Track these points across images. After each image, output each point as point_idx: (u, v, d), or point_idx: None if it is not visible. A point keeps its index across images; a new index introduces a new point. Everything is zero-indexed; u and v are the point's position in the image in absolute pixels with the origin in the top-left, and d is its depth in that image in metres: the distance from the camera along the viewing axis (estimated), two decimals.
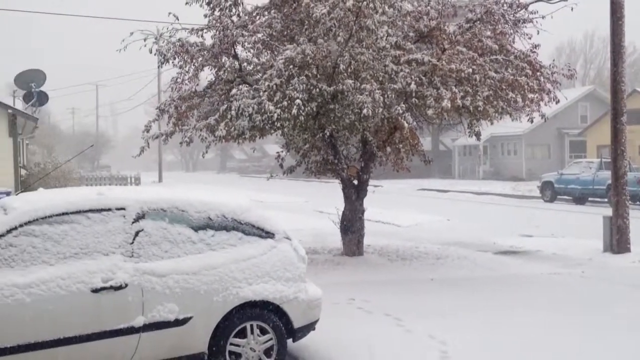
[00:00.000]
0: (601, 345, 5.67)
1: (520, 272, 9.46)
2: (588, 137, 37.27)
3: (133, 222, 4.55)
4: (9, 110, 14.63)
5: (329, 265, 9.72)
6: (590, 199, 23.12)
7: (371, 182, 11.41)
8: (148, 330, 4.35)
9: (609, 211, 11.39)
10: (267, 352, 4.83)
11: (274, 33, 9.77)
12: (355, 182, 10.73)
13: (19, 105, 20.03)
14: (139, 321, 4.34)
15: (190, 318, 4.50)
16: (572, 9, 11.42)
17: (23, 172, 18.06)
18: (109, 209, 4.53)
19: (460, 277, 9.03)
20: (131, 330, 4.31)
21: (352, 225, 10.54)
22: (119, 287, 4.30)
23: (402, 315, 6.53)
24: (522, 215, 18.86)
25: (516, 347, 5.58)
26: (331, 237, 11.52)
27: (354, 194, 10.63)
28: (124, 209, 4.57)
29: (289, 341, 5.02)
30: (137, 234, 4.52)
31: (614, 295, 7.92)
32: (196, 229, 4.76)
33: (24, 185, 14.68)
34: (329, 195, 16.98)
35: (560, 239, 12.99)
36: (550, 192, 24.39)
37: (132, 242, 4.49)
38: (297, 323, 4.95)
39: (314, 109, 8.92)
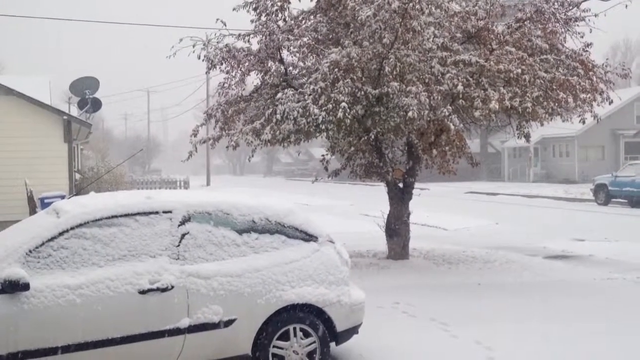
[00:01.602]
0: None
1: (571, 277, 9.16)
2: None
3: (179, 225, 4.64)
4: (64, 117, 15.17)
5: (373, 268, 9.66)
6: None
7: (417, 184, 11.29)
8: (193, 331, 4.42)
9: None
10: (310, 355, 4.83)
11: (319, 37, 9.81)
12: (401, 185, 10.64)
13: (74, 111, 20.80)
14: (184, 322, 4.41)
15: (234, 320, 4.55)
16: (626, 7, 11.02)
17: (77, 176, 18.70)
18: (157, 212, 4.63)
19: (508, 282, 8.82)
20: (177, 332, 4.39)
21: (397, 228, 10.45)
22: (165, 289, 4.38)
23: (447, 320, 6.43)
24: (574, 219, 18.28)
25: (567, 357, 5.40)
26: (376, 240, 11.46)
27: (399, 197, 10.54)
28: (170, 212, 4.66)
29: (332, 344, 5.01)
30: (183, 236, 4.61)
31: None
32: (240, 231, 4.81)
33: (77, 189, 15.19)
34: (374, 199, 16.89)
35: (614, 243, 12.53)
36: (604, 195, 23.56)
37: (178, 245, 4.58)
38: (340, 326, 4.93)
39: (359, 112, 8.90)
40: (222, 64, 9.77)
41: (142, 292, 4.34)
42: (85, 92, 20.55)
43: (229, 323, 4.53)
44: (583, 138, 38.05)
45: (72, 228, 4.39)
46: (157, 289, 4.36)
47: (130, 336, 4.29)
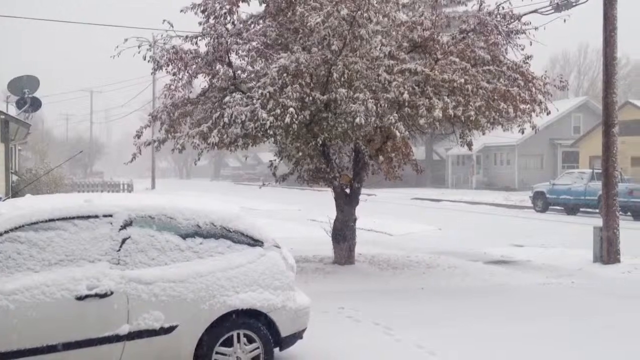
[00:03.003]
0: (588, 355, 5.67)
1: (510, 282, 9.46)
2: (581, 148, 37.46)
3: (120, 229, 4.52)
4: (1, 116, 14.58)
5: (319, 273, 9.70)
6: (581, 209, 23.19)
7: (364, 190, 11.42)
8: (133, 338, 4.31)
9: (599, 222, 11.43)
10: None
11: (268, 41, 9.80)
12: (348, 190, 10.74)
13: (12, 111, 19.97)
14: (124, 329, 4.30)
15: (176, 326, 4.46)
16: (564, 21, 11.54)
17: (14, 178, 17.95)
18: (96, 216, 4.51)
19: (451, 286, 9.03)
20: (116, 339, 4.27)
21: (343, 233, 10.53)
22: (104, 295, 4.26)
23: (391, 324, 6.52)
24: (514, 225, 18.89)
25: (502, 357, 5.57)
26: (323, 245, 11.51)
27: (346, 203, 10.63)
28: (111, 215, 4.54)
29: (276, 350, 4.99)
30: (124, 241, 4.50)
31: (602, 306, 7.93)
32: (184, 236, 4.73)
33: (13, 191, 14.60)
34: (322, 204, 16.99)
35: (550, 249, 13.02)
36: (542, 202, 24.47)
37: (119, 250, 4.46)
38: (284, 332, 4.92)
39: (307, 118, 8.94)
40: (168, 65, 9.61)
41: (80, 298, 4.20)
42: (25, 91, 19.77)
43: (170, 329, 4.44)
44: (523, 147, 39.41)
45: (6, 231, 4.21)
46: (96, 295, 4.24)
47: (67, 343, 4.15)
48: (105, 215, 4.53)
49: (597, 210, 20.29)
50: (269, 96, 8.53)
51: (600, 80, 11.98)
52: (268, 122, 8.37)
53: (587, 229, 11.71)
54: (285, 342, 4.99)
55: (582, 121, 41.22)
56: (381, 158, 11.09)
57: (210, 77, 9.85)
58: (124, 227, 4.53)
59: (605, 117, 11.39)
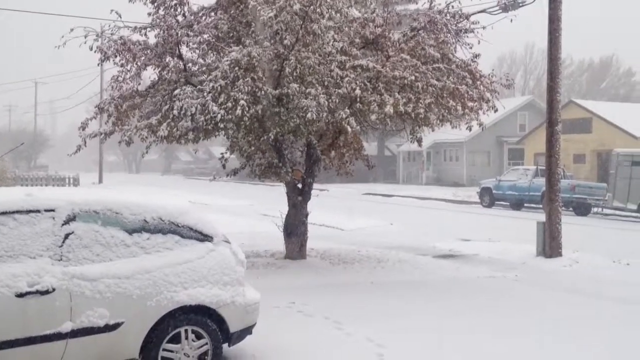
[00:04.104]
0: (530, 345, 5.87)
1: (457, 275, 9.69)
2: (526, 145, 38.65)
3: (63, 224, 4.38)
4: None
5: (270, 268, 9.68)
6: (526, 204, 23.95)
7: (317, 186, 11.44)
8: (76, 336, 4.20)
9: (543, 217, 11.82)
10: (202, 357, 4.74)
11: (220, 34, 9.69)
12: (300, 185, 10.74)
13: None
14: (67, 327, 4.17)
15: (121, 323, 4.37)
16: (511, 21, 11.85)
17: None
18: (38, 211, 4.35)
19: (400, 280, 9.17)
20: (58, 336, 4.15)
21: (295, 228, 10.53)
22: (46, 292, 4.13)
23: (341, 318, 6.57)
24: (462, 220, 19.33)
25: (450, 350, 5.70)
26: (274, 240, 11.48)
27: (298, 198, 10.64)
28: (53, 210, 4.40)
29: (225, 346, 4.96)
30: (67, 236, 4.36)
31: (543, 299, 8.22)
32: (131, 231, 4.63)
33: None
34: (274, 199, 16.92)
35: (496, 243, 13.39)
36: (489, 197, 25.13)
37: (62, 245, 4.33)
38: (233, 327, 4.89)
39: (259, 112, 8.90)
40: (116, 56, 9.39)
41: (20, 295, 4.05)
42: None
43: (115, 326, 4.34)
44: (471, 144, 40.33)
45: None
46: (37, 292, 4.10)
47: (6, 342, 4.00)
48: (47, 210, 4.38)
49: (541, 206, 21.00)
50: (220, 89, 8.45)
51: (545, 80, 12.36)
52: (219, 116, 8.29)
53: (531, 224, 12.09)
54: (234, 338, 4.96)
55: (527, 119, 42.51)
56: (333, 153, 11.15)
57: (160, 69, 9.69)
58: (66, 222, 4.40)
59: (549, 115, 11.78)
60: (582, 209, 22.47)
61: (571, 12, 16.49)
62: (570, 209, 22.11)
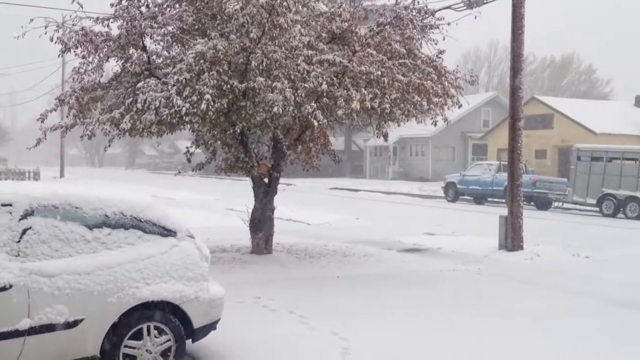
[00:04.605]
0: (493, 337, 5.98)
1: (421, 269, 9.81)
2: (489, 141, 39.30)
3: (20, 219, 4.26)
4: None
5: (236, 263, 9.62)
6: (489, 199, 24.39)
7: (284, 180, 11.41)
8: (34, 333, 4.09)
9: (505, 211, 12.04)
10: (165, 353, 4.68)
11: (185, 26, 9.55)
12: (266, 180, 10.70)
13: None
14: (24, 324, 4.07)
15: (81, 320, 4.28)
16: (475, 18, 12.00)
17: None
18: None
19: (365, 274, 9.23)
20: (15, 334, 4.04)
21: (261, 223, 10.49)
22: (2, 288, 4.01)
23: (307, 312, 6.58)
24: (427, 214, 19.57)
25: (414, 342, 5.77)
26: (240, 235, 11.42)
27: (264, 192, 10.60)
28: (10, 205, 4.27)
29: (189, 342, 4.92)
30: (24, 231, 4.24)
31: (504, 291, 8.39)
32: (91, 226, 4.53)
33: None
34: (240, 193, 16.84)
35: (460, 237, 13.59)
36: (453, 192, 25.50)
37: (19, 241, 4.21)
38: (197, 323, 4.84)
39: (225, 106, 8.83)
40: (77, 47, 9.17)
41: None
42: None
43: (75, 323, 4.25)
44: (437, 139, 40.83)
45: None
46: None
47: None
48: (3, 205, 4.26)
49: (504, 200, 21.38)
50: (185, 83, 8.35)
51: (508, 76, 12.58)
52: (184, 109, 8.20)
53: (494, 218, 12.31)
54: (198, 334, 4.92)
55: (491, 115, 43.21)
56: (299, 148, 11.13)
57: (123, 61, 9.51)
58: (24, 217, 4.28)
59: (512, 111, 12.00)
60: (543, 203, 22.99)
61: (535, 9, 16.80)
62: (532, 203, 22.60)
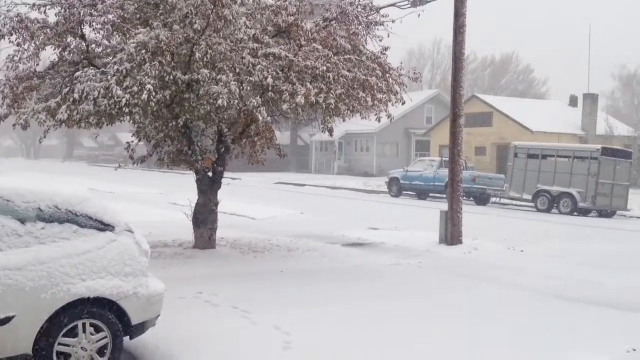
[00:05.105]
0: (430, 330, 6.14)
1: (365, 263, 9.94)
2: (432, 137, 40.16)
3: None
4: None
5: (178, 258, 9.47)
6: (431, 194, 24.93)
7: (229, 174, 11.30)
8: None
9: (446, 206, 12.34)
10: (101, 351, 4.57)
11: (126, 15, 9.30)
12: (210, 174, 10.57)
13: None
14: None
15: (12, 317, 4.11)
16: (419, 16, 12.22)
17: None
18: None
19: (309, 269, 9.27)
20: None
21: (205, 218, 10.36)
22: None
23: (249, 307, 6.55)
24: (371, 209, 19.83)
25: (356, 335, 5.84)
26: (183, 229, 11.25)
27: (208, 186, 10.47)
28: None
29: (127, 339, 4.81)
30: None
31: (443, 284, 8.63)
32: (24, 220, 4.36)
33: None
34: (184, 187, 16.57)
35: (402, 231, 13.85)
36: (397, 187, 25.93)
37: None
38: (135, 320, 4.73)
39: (167, 97, 8.66)
40: (12, 35, 8.81)
41: None
42: None
43: (6, 321, 4.08)
44: (381, 135, 41.38)
45: None
46: None
47: None
48: None
49: (445, 196, 21.92)
50: (126, 73, 8.14)
51: (450, 74, 12.87)
52: (124, 100, 7.99)
53: (436, 213, 12.60)
54: (136, 331, 4.81)
55: (434, 112, 44.16)
56: (245, 142, 11.05)
57: (60, 50, 9.19)
58: None
59: (453, 109, 12.29)
60: (482, 199, 23.71)
61: (477, 9, 17.26)
62: (472, 198, 23.26)
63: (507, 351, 5.58)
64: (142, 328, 4.86)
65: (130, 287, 4.71)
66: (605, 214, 21.08)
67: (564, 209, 20.96)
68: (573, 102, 41.74)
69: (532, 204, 21.96)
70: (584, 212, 20.82)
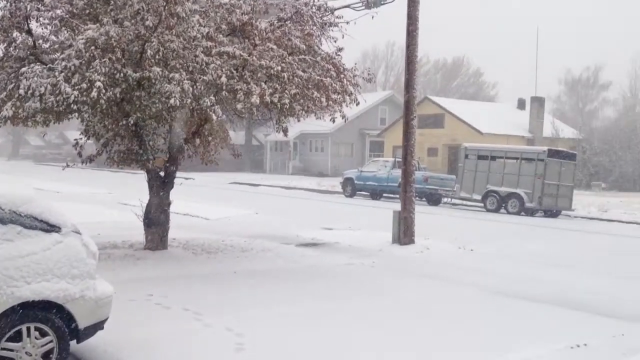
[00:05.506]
0: (383, 328, 6.21)
1: (319, 263, 9.97)
2: (386, 138, 40.67)
3: None
4: None
5: (129, 260, 9.27)
6: (385, 194, 25.22)
7: (182, 174, 11.13)
8: None
9: (399, 206, 12.51)
10: (47, 355, 4.42)
11: (75, 10, 9.06)
12: (162, 173, 10.39)
13: None
14: None
15: None
16: (372, 17, 12.34)
17: None
18: None
19: (263, 269, 9.24)
20: None
21: (156, 218, 10.18)
22: None
23: (201, 309, 6.48)
24: (325, 209, 19.91)
25: (309, 336, 5.86)
26: (134, 230, 11.02)
27: (160, 186, 10.29)
28: None
29: (74, 342, 4.67)
30: None
31: (395, 283, 8.75)
32: None
33: None
34: (135, 187, 16.23)
35: (356, 231, 13.96)
36: (351, 187, 26.12)
37: None
38: (82, 323, 4.60)
39: (118, 95, 8.46)
40: None
41: None
42: None
43: None
44: (336, 135, 41.63)
45: None
46: None
47: None
48: None
49: (398, 196, 22.20)
50: (75, 69, 7.93)
51: (404, 76, 13.06)
52: (72, 97, 7.78)
53: (389, 213, 12.75)
54: (83, 334, 4.68)
55: (387, 113, 44.73)
56: (198, 141, 10.89)
57: (5, 44, 8.93)
58: None
59: (406, 110, 12.47)
60: (434, 199, 24.15)
61: (429, 11, 17.55)
62: (424, 199, 23.66)
63: (449, 347, 5.69)
64: (89, 331, 4.73)
65: (77, 289, 4.58)
66: (551, 213, 21.79)
67: (512, 209, 21.55)
68: (521, 104, 43.02)
69: (482, 204, 22.49)
70: (531, 212, 21.46)
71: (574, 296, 8.28)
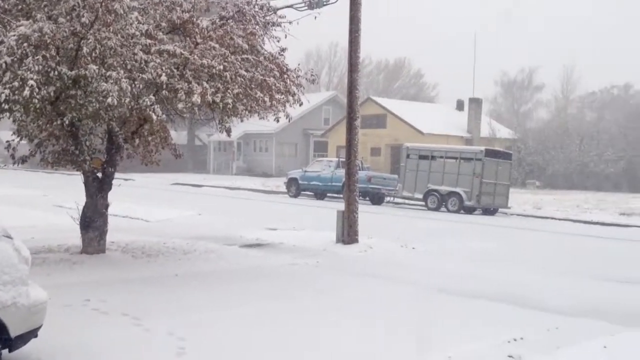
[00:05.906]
0: (325, 328, 6.25)
1: (263, 263, 9.93)
2: (329, 138, 40.95)
3: None
4: None
5: (64, 264, 8.94)
6: (329, 194, 25.38)
7: (121, 175, 10.83)
8: None
9: (343, 206, 12.60)
10: None
11: (6, 6, 8.65)
12: (100, 174, 10.08)
13: None
14: None
15: None
16: (315, 18, 12.40)
17: None
18: None
19: (206, 271, 9.11)
20: None
21: (93, 221, 9.86)
22: None
23: (141, 314, 6.32)
24: (270, 210, 19.84)
25: (252, 338, 5.82)
26: (70, 234, 10.63)
27: (97, 188, 9.98)
28: None
29: (5, 351, 4.46)
30: None
31: (338, 282, 8.80)
32: None
33: None
34: (71, 189, 15.68)
35: (300, 231, 13.97)
36: (295, 188, 26.15)
37: None
38: (14, 331, 4.40)
39: (52, 94, 8.15)
40: None
41: None
42: None
43: None
44: (280, 135, 41.59)
45: None
46: None
47: None
48: None
49: (342, 195, 22.39)
50: (6, 67, 7.59)
51: (347, 77, 13.17)
52: (3, 96, 7.45)
53: (333, 213, 12.82)
54: (16, 343, 4.47)
55: (331, 113, 45.05)
56: (137, 141, 10.63)
57: None
58: None
59: (349, 111, 12.59)
60: (376, 198, 24.49)
61: (372, 13, 17.78)
62: (367, 198, 23.95)
63: (388, 346, 5.79)
64: (22, 339, 4.52)
65: (9, 296, 4.37)
66: (489, 211, 22.50)
67: (452, 207, 22.12)
68: (459, 105, 44.26)
69: (423, 203, 22.97)
70: (470, 210, 22.09)
71: (512, 291, 8.56)
